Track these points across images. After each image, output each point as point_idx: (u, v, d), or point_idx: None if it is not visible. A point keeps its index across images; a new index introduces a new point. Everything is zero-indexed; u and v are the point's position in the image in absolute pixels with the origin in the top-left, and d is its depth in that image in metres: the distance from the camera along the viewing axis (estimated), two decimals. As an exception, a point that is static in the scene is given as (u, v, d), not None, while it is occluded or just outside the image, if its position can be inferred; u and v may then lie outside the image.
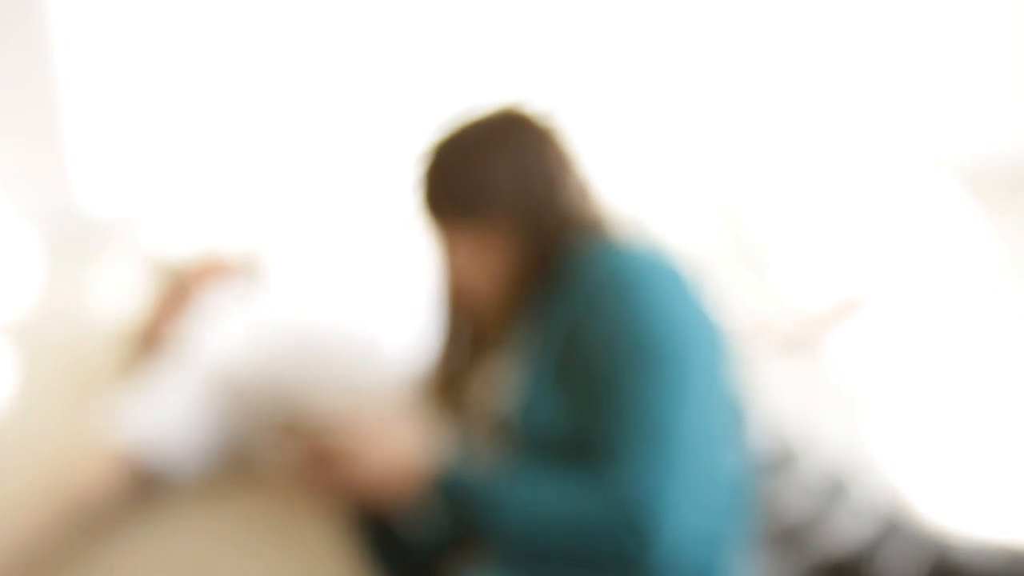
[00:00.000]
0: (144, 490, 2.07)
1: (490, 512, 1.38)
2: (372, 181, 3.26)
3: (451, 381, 1.59)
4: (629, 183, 2.65)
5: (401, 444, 1.42)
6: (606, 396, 1.37)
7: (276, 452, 1.49)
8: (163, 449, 2.06)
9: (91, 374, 2.53)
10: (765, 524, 1.75)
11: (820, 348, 2.46)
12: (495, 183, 1.47)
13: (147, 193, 3.24)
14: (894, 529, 1.73)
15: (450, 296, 1.55)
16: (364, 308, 2.19)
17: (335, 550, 1.99)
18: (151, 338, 2.29)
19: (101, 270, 2.96)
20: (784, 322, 2.51)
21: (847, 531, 1.74)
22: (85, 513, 2.00)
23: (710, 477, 1.40)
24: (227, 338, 2.15)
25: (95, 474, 2.02)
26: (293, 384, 2.06)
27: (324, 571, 1.98)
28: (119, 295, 2.54)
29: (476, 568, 1.45)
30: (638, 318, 1.38)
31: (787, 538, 1.75)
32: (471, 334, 1.57)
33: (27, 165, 3.25)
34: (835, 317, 2.48)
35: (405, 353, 2.04)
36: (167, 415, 2.08)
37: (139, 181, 3.25)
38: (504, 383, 1.50)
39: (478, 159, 1.47)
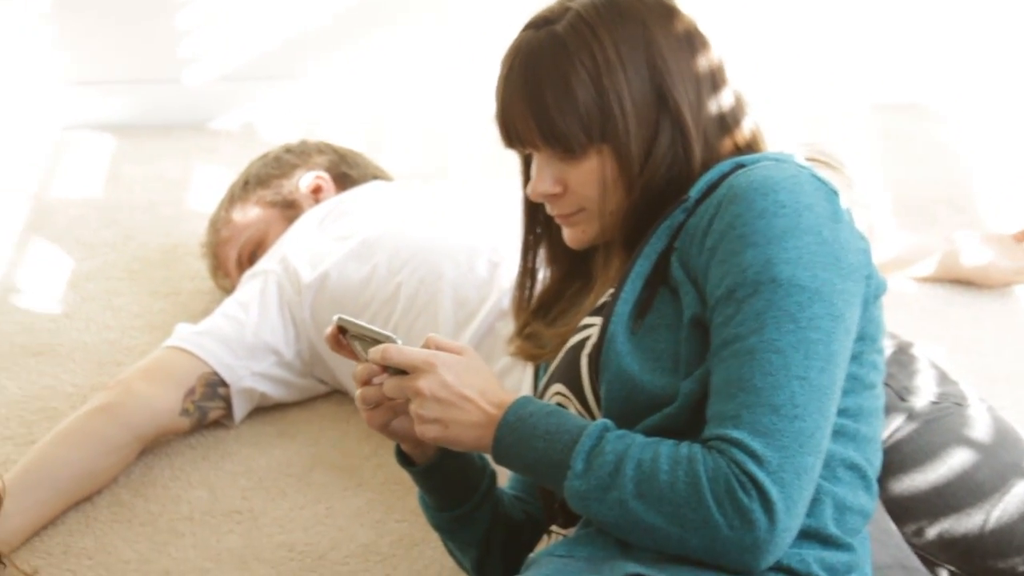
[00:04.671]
0: (214, 406, 2.00)
1: (567, 467, 1.19)
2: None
3: (544, 308, 1.43)
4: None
5: (479, 374, 1.25)
6: (738, 343, 1.18)
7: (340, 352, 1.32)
8: (239, 363, 1.99)
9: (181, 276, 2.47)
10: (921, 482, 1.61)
11: None
12: (629, 99, 1.28)
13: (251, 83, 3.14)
14: None
15: (551, 217, 1.36)
16: (460, 221, 2.09)
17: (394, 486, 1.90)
18: (249, 256, 2.23)
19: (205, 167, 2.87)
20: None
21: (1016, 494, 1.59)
22: (150, 430, 1.93)
23: (852, 437, 1.25)
24: (314, 247, 2.07)
25: (167, 388, 1.93)
26: (380, 296, 1.97)
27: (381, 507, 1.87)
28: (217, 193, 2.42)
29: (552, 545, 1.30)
30: (781, 246, 1.19)
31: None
32: (574, 261, 1.41)
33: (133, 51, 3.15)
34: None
35: (500, 269, 1.93)
36: (249, 325, 2.01)
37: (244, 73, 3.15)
38: (599, 317, 1.33)
39: (610, 73, 1.28)
